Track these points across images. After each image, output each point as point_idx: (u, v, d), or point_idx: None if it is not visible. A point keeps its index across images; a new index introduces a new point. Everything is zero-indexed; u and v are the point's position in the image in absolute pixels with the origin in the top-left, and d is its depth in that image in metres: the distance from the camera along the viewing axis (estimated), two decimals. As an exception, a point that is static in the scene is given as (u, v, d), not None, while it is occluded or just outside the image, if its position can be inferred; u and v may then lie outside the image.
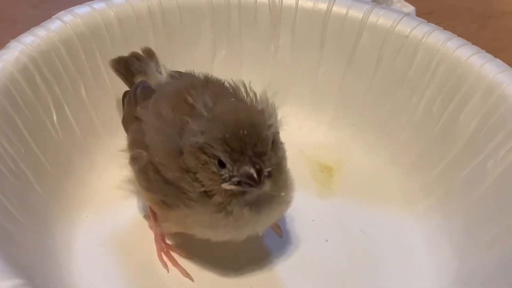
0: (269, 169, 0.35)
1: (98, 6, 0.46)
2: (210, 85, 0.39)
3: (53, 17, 0.45)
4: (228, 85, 0.39)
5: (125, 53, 0.46)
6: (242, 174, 0.34)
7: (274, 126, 0.36)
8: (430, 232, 0.43)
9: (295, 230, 0.44)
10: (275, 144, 0.36)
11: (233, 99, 0.38)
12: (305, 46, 0.49)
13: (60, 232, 0.41)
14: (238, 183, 0.35)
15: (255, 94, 0.38)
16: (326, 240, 0.43)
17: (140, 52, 0.45)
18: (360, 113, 0.49)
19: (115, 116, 0.46)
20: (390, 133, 0.47)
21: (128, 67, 0.45)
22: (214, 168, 0.35)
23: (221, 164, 0.34)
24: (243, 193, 0.35)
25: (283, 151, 0.37)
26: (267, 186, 0.35)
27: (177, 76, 0.42)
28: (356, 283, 0.41)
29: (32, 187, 0.40)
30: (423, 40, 0.46)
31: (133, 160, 0.39)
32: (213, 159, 0.35)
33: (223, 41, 0.49)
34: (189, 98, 0.37)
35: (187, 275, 0.40)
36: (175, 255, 0.41)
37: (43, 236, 0.39)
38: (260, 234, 0.39)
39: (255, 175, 0.34)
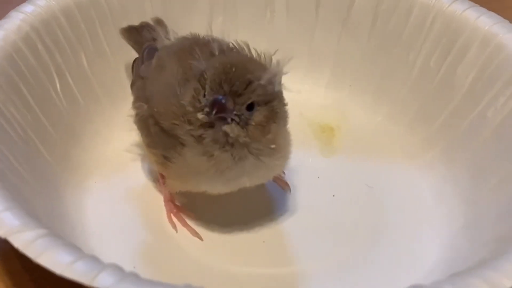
0: (235, 113, 0.35)
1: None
2: (215, 42, 0.39)
3: (51, -13, 0.44)
4: (232, 45, 0.40)
5: (123, 20, 0.46)
6: (207, 102, 0.35)
7: (274, 81, 0.36)
8: (435, 183, 0.44)
9: (302, 187, 0.44)
10: (270, 104, 0.36)
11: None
12: (300, 9, 0.49)
13: (71, 197, 0.41)
14: (207, 113, 0.35)
15: (258, 54, 0.38)
16: (333, 195, 0.44)
17: (150, 22, 0.46)
18: (357, 73, 0.49)
19: (116, 84, 0.47)
20: (388, 91, 0.48)
21: (138, 35, 0.45)
22: (199, 96, 0.35)
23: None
24: (212, 127, 0.36)
25: (282, 111, 0.38)
26: (231, 128, 0.35)
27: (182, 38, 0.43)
28: (364, 236, 0.42)
29: (40, 153, 0.41)
30: None
31: (136, 115, 0.40)
32: (202, 90, 0.35)
33: (219, 7, 0.49)
34: (196, 49, 0.38)
35: (196, 234, 0.41)
36: (184, 216, 0.42)
37: (55, 201, 0.40)
38: (257, 185, 0.39)
39: (214, 107, 0.35)
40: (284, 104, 0.38)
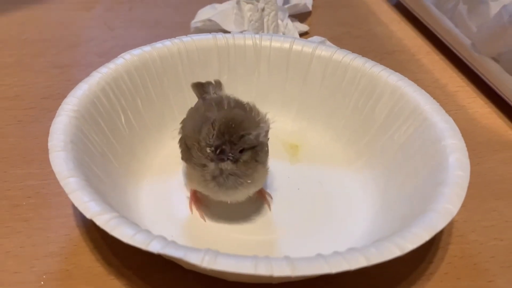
0: (230, 155, 0.35)
1: (146, 49, 0.46)
2: (227, 99, 0.40)
3: (118, 56, 0.45)
4: (244, 103, 0.40)
5: (163, 77, 0.46)
6: (214, 145, 0.35)
7: (259, 136, 0.36)
8: (363, 180, 0.44)
9: (276, 184, 0.44)
10: (254, 148, 0.36)
11: (241, 110, 0.38)
12: (276, 71, 0.49)
13: (131, 192, 0.41)
14: (212, 151, 0.35)
15: (258, 112, 0.39)
16: (298, 189, 0.44)
17: (212, 81, 0.45)
18: (313, 110, 0.49)
19: (160, 117, 0.46)
20: (333, 121, 0.48)
21: (201, 88, 0.44)
22: (209, 136, 0.36)
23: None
24: (212, 161, 0.36)
25: (263, 153, 0.37)
26: (226, 164, 0.35)
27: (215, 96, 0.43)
28: (317, 215, 0.42)
29: (111, 163, 0.41)
30: (350, 63, 0.47)
31: (179, 134, 0.40)
32: (212, 132, 0.35)
33: (225, 69, 0.49)
34: (213, 104, 0.39)
35: (202, 217, 0.40)
36: (199, 205, 0.41)
37: (122, 195, 0.40)
38: (239, 200, 0.39)
39: (217, 150, 0.35)
40: (265, 150, 0.38)
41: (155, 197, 0.42)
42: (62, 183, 0.34)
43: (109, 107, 0.42)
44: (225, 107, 0.38)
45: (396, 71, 0.46)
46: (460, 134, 0.40)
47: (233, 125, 0.35)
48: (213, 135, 0.35)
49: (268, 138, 0.39)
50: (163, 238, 0.31)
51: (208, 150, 0.36)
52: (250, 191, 0.38)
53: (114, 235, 0.31)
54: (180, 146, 0.40)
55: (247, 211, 0.41)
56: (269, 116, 0.39)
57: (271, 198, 0.42)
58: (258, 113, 0.39)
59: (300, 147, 0.48)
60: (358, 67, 0.46)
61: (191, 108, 0.42)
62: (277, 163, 0.43)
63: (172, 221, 0.40)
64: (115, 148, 0.42)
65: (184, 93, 0.47)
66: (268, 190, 0.43)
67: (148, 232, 0.31)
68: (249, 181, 0.37)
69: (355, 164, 0.45)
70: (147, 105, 0.46)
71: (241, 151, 0.36)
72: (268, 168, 0.39)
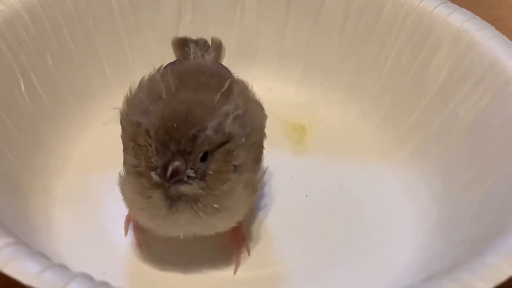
0: (190, 171, 0.34)
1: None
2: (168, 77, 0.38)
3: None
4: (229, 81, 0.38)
5: (89, 18, 0.45)
6: (158, 166, 0.33)
7: (222, 124, 0.34)
8: (407, 181, 0.44)
9: (275, 188, 0.43)
10: (223, 143, 0.34)
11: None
12: (271, 6, 0.49)
13: (36, 201, 0.40)
14: (161, 177, 0.34)
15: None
16: (306, 196, 0.43)
17: (208, 40, 0.44)
18: (329, 71, 0.49)
19: (82, 84, 0.46)
20: (359, 88, 0.48)
21: (184, 48, 0.43)
22: (149, 154, 0.34)
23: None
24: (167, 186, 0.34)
25: (239, 156, 0.35)
26: (189, 187, 0.34)
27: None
28: (337, 237, 0.41)
29: (3, 154, 0.39)
30: None
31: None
32: (150, 145, 0.34)
33: (188, 4, 0.48)
34: (158, 79, 0.37)
35: (139, 243, 0.39)
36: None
37: (20, 205, 0.39)
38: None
39: (168, 171, 0.33)
40: (251, 145, 0.36)
41: (76, 211, 0.41)
42: None
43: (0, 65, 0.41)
44: (163, 95, 0.36)
45: (462, 6, 0.44)
46: None
47: (175, 125, 0.33)
48: (152, 151, 0.34)
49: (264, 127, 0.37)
50: (88, 277, 0.30)
51: (154, 176, 0.34)
52: (218, 223, 0.36)
53: (8, 273, 0.30)
54: (123, 132, 0.38)
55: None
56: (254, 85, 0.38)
57: (248, 250, 0.40)
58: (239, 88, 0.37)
59: (308, 129, 0.47)
60: (402, 0, 0.45)
61: (144, 77, 0.39)
62: (273, 155, 0.41)
63: (102, 248, 0.39)
64: (9, 131, 0.40)
65: (123, 46, 0.46)
66: (261, 198, 0.42)
67: (63, 267, 0.30)
68: (215, 205, 0.35)
69: (394, 156, 0.45)
70: (62, 63, 0.44)
71: (203, 158, 0.34)
72: (259, 182, 0.38)
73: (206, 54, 0.42)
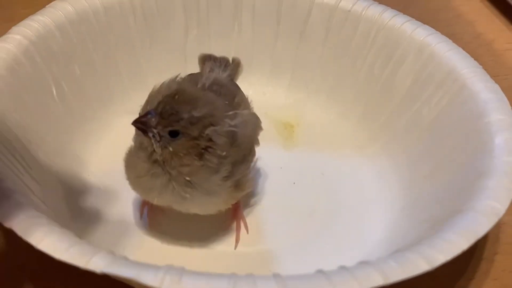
0: (154, 130, 0.34)
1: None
2: (208, 79, 0.39)
3: (47, 6, 0.44)
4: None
5: (109, 34, 0.45)
6: (140, 111, 0.35)
7: (197, 121, 0.34)
8: (379, 171, 0.44)
9: (266, 177, 0.44)
10: (196, 138, 0.34)
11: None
12: (264, 23, 0.49)
13: (65, 187, 0.41)
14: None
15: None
16: (294, 183, 0.44)
17: (229, 59, 0.44)
18: (313, 77, 0.49)
19: (104, 89, 0.46)
20: (339, 92, 0.48)
21: (205, 62, 0.43)
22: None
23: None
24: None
25: (214, 159, 0.35)
26: (147, 141, 0.34)
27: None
28: (319, 217, 0.42)
29: (38, 149, 0.39)
30: (363, 13, 0.46)
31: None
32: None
33: (193, 22, 0.48)
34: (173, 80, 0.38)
35: (152, 224, 0.40)
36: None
37: (51, 191, 0.39)
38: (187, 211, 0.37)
39: (140, 117, 0.34)
40: (222, 157, 0.35)
41: (101, 197, 0.41)
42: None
43: (35, 74, 0.41)
44: (199, 85, 0.37)
45: (424, 23, 0.45)
46: (509, 107, 0.40)
47: (176, 97, 0.34)
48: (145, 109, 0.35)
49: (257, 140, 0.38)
50: (109, 253, 0.30)
51: (133, 124, 0.34)
52: (197, 201, 0.36)
53: (41, 249, 0.30)
54: None
55: (223, 213, 0.40)
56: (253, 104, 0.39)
57: (247, 228, 0.41)
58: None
59: (296, 127, 0.48)
60: (373, 18, 0.46)
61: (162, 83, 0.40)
62: (266, 149, 0.42)
63: (122, 230, 0.40)
64: (43, 130, 0.41)
65: (138, 57, 0.47)
66: (256, 186, 0.43)
67: (87, 244, 0.31)
68: (187, 178, 0.35)
69: (369, 149, 0.45)
70: (87, 72, 0.45)
71: (173, 134, 0.34)
72: (248, 182, 0.38)
73: (222, 71, 0.42)
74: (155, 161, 0.35)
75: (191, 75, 0.41)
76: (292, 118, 0.48)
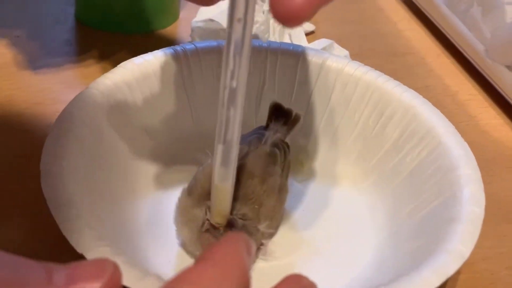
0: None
1: (147, 57, 0.42)
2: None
3: (118, 65, 0.41)
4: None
5: (169, 88, 0.42)
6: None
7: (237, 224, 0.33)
8: (370, 204, 0.41)
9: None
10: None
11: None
12: (283, 87, 0.45)
13: (125, 206, 0.38)
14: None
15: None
16: (303, 210, 0.41)
17: (293, 112, 0.40)
18: (319, 127, 0.45)
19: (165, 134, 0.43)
20: (340, 138, 0.45)
21: (273, 114, 0.39)
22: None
23: None
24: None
25: None
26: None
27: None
28: (319, 238, 0.39)
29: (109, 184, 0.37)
30: (362, 77, 0.43)
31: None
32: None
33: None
34: None
35: None
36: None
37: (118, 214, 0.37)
38: None
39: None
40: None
41: (157, 219, 0.39)
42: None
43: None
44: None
45: (404, 76, 0.44)
46: (476, 163, 0.37)
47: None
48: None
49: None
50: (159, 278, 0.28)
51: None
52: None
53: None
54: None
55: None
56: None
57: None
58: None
59: (305, 164, 0.45)
60: (371, 81, 0.43)
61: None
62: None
63: (170, 242, 0.37)
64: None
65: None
66: None
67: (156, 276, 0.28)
68: None
69: (362, 185, 0.43)
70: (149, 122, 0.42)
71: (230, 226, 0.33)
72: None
73: (280, 128, 0.39)
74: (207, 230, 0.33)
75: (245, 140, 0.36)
76: (302, 156, 0.45)
